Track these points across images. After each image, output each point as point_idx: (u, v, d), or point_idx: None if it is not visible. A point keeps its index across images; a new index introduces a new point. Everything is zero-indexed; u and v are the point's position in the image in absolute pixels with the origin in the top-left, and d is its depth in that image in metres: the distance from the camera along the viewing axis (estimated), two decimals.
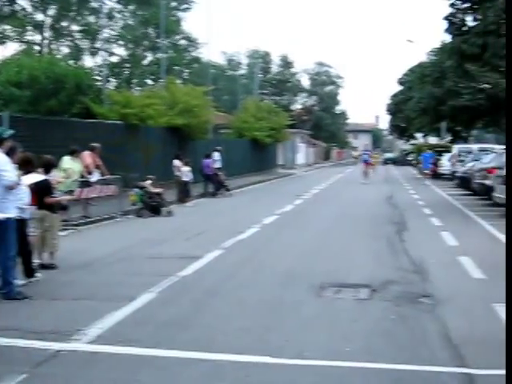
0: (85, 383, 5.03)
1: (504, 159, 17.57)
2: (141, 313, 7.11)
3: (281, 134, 48.14)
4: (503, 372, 5.07)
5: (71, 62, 38.63)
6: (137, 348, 5.80)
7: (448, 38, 24.17)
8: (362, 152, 24.85)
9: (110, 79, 45.70)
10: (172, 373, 5.23)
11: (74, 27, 47.57)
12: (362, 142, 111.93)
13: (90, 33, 46.41)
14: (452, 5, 21.38)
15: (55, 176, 10.98)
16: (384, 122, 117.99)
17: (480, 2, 20.77)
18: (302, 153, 69.78)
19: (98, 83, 29.45)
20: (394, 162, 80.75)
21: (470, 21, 21.56)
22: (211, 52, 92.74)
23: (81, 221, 15.47)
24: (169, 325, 6.59)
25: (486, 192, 20.36)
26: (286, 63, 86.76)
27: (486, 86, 43.92)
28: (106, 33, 43.44)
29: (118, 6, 48.43)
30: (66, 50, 47.24)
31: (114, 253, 11.34)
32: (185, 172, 21.83)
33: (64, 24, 46.99)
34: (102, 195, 16.75)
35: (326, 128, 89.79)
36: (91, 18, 47.27)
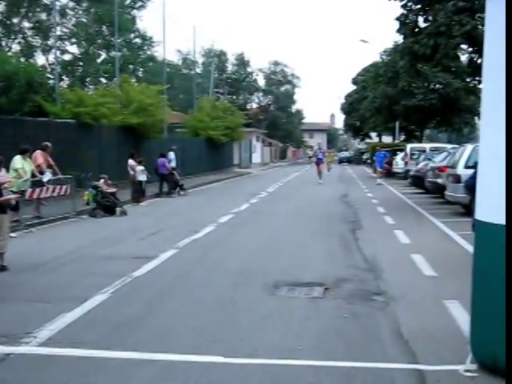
0: None
1: (456, 158, 17.94)
2: (93, 314, 7.02)
3: (236, 133, 48.13)
4: (453, 367, 5.19)
5: (22, 59, 37.99)
6: (89, 350, 5.72)
7: (400, 39, 24.42)
8: (317, 151, 24.26)
9: (63, 77, 45.06)
10: (124, 374, 5.17)
11: (26, 24, 46.76)
12: (316, 141, 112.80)
13: (42, 30, 45.68)
14: (404, 6, 21.65)
15: (4, 176, 10.74)
16: (339, 122, 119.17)
17: (431, 3, 21.07)
18: (258, 152, 69.99)
19: (51, 81, 28.96)
20: (349, 161, 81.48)
21: (421, 22, 21.87)
22: (166, 50, 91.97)
23: (33, 221, 15.21)
24: (121, 326, 6.52)
25: (438, 190, 20.69)
26: (242, 62, 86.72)
27: (438, 86, 44.81)
28: (58, 30, 42.75)
29: (71, 4, 47.77)
30: (17, 48, 46.40)
31: (66, 253, 11.17)
32: (139, 171, 21.65)
33: (15, 20, 46.14)
34: (55, 195, 16.50)
35: (281, 127, 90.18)
36: (43, 15, 46.53)
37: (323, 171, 36.63)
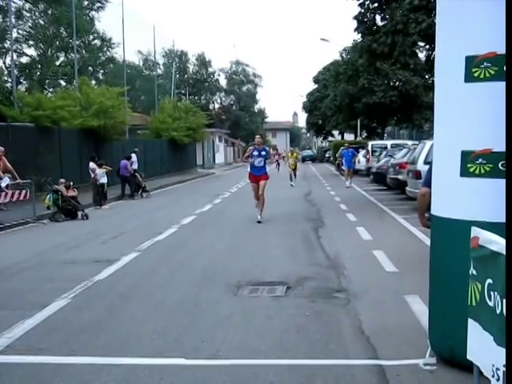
0: None
1: (415, 154, 18.16)
2: (52, 320, 6.92)
3: (199, 133, 48.01)
4: (412, 361, 5.25)
5: None
6: (48, 356, 5.64)
7: (359, 37, 24.66)
8: (252, 148, 14.40)
9: (21, 80, 44.43)
10: (85, 381, 5.10)
11: None
12: (278, 141, 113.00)
13: None
14: (361, 4, 21.88)
15: None
16: (302, 120, 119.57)
17: (387, 2, 21.34)
18: (221, 152, 69.99)
19: (8, 85, 28.52)
20: (313, 159, 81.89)
21: (378, 20, 22.13)
22: (127, 52, 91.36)
23: None
24: (81, 331, 6.44)
25: (399, 186, 20.93)
26: (203, 62, 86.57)
27: (398, 83, 45.32)
28: (15, 32, 42.13)
29: (28, 5, 47.10)
30: None
31: (26, 259, 11.01)
32: (100, 174, 21.43)
33: None
34: (14, 200, 16.25)
35: (244, 127, 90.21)
36: None
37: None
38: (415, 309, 6.88)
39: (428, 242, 10.54)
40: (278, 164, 48.94)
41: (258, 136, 16.56)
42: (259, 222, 15.42)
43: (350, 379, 4.98)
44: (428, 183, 5.59)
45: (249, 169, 16.13)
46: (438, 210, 5.09)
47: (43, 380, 5.14)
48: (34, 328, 6.57)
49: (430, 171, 5.56)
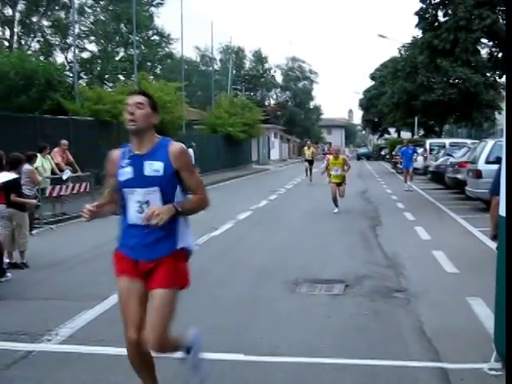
0: None
1: (476, 153, 17.77)
2: (113, 312, 6.97)
3: (254, 129, 48.11)
4: (477, 366, 5.12)
5: (41, 57, 38.24)
6: (109, 347, 5.71)
7: (419, 34, 24.24)
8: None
9: (82, 75, 45.32)
10: None
11: (44, 22, 47.09)
12: (334, 138, 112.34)
13: (61, 28, 45.96)
14: (423, 0, 21.50)
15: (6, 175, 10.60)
16: (357, 117, 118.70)
17: None
18: (276, 148, 69.95)
19: (70, 79, 29.11)
20: (368, 157, 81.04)
21: (440, 16, 21.71)
22: (184, 47, 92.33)
23: (53, 219, 15.28)
24: None
25: (458, 186, 20.52)
26: (260, 58, 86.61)
27: (458, 80, 44.44)
28: (77, 28, 42.98)
29: (90, 1, 48.01)
30: (36, 46, 46.75)
31: (86, 251, 11.21)
32: None
33: (34, 19, 46.45)
34: (75, 192, 16.56)
35: (299, 123, 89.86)
36: (61, 14, 46.82)
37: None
38: (478, 311, 6.71)
39: (489, 243, 10.36)
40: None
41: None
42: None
43: (413, 381, 4.88)
44: (497, 190, 5.21)
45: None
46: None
47: (104, 370, 5.20)
48: (95, 319, 6.68)
49: (498, 176, 5.32)
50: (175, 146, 4.02)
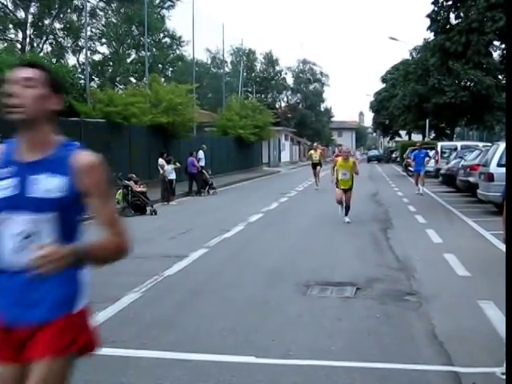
0: None
1: (488, 156, 17.69)
2: (125, 313, 7.04)
3: (265, 131, 48.12)
4: (489, 370, 5.10)
5: (54, 60, 38.43)
6: (121, 349, 5.73)
7: (431, 36, 24.19)
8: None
9: (94, 77, 45.50)
10: (156, 374, 5.16)
11: (57, 25, 47.31)
12: (345, 140, 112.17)
13: (73, 31, 46.16)
14: (435, 2, 21.45)
15: None
16: (368, 120, 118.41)
17: (462, 0, 20.87)
18: (287, 151, 69.91)
19: (81, 81, 29.26)
20: (379, 159, 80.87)
21: (452, 18, 21.65)
22: (195, 49, 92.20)
23: None
24: (153, 325, 6.53)
25: (469, 189, 20.42)
26: (271, 61, 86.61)
27: (469, 83, 44.27)
28: (88, 31, 43.17)
29: (101, 4, 48.21)
30: (48, 48, 47.00)
31: None
32: (169, 170, 21.73)
33: (46, 22, 46.69)
34: None
35: (310, 126, 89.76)
36: (74, 16, 47.03)
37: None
38: (490, 315, 6.68)
39: (501, 246, 10.31)
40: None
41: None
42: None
43: None
44: None
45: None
46: None
47: (116, 372, 5.22)
48: (107, 320, 6.69)
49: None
50: (84, 156, 2.74)
